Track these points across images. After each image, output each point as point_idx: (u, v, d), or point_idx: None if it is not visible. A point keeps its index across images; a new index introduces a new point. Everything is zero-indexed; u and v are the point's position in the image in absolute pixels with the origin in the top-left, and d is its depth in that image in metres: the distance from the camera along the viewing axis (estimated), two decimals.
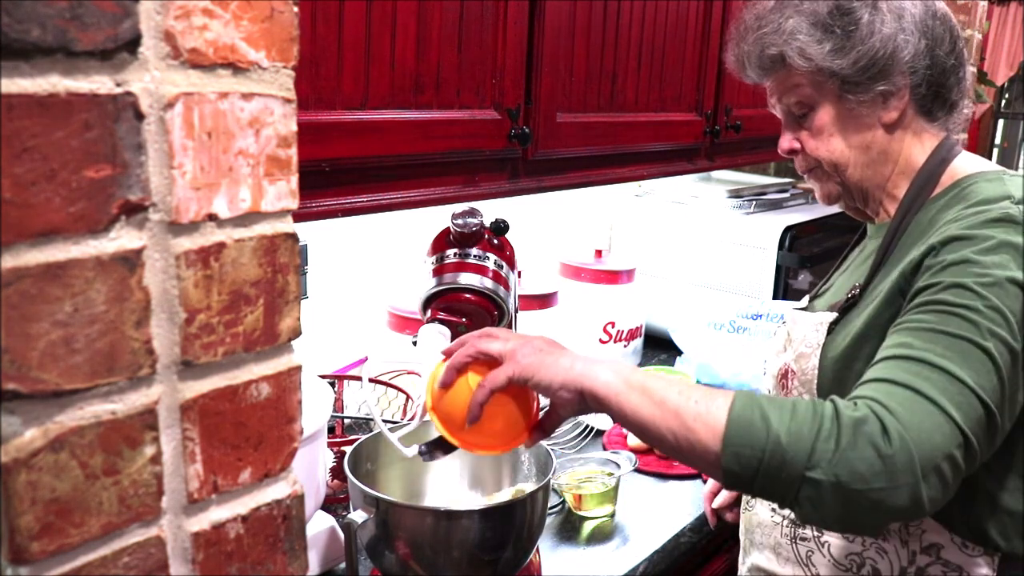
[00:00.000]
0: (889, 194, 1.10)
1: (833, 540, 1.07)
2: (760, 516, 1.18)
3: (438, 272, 1.19)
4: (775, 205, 2.37)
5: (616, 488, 1.41)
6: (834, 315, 1.07)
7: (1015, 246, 0.89)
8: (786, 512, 1.12)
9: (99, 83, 0.45)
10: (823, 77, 1.05)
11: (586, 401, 0.88)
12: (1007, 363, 0.85)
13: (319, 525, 1.21)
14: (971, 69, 2.48)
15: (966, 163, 1.08)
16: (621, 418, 0.86)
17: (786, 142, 1.14)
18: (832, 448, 0.78)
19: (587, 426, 1.68)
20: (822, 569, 1.09)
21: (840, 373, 1.03)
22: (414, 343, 1.13)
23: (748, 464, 0.79)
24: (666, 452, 0.86)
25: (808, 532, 1.10)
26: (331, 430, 1.47)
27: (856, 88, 1.05)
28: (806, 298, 1.27)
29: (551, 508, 1.36)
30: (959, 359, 0.84)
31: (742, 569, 1.24)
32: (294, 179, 0.56)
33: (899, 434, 0.78)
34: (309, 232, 1.56)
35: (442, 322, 1.15)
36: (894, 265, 1.02)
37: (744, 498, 1.24)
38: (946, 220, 0.97)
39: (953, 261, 0.90)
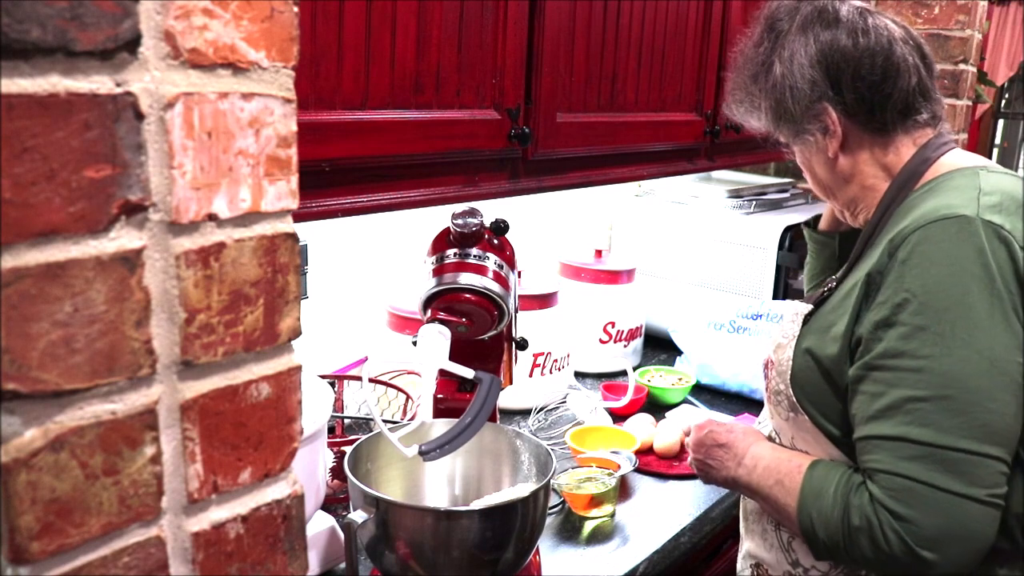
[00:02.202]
0: (871, 200, 1.13)
1: None
2: (751, 504, 1.20)
3: (438, 272, 1.19)
4: (775, 205, 2.37)
5: (616, 488, 1.41)
6: (809, 307, 1.10)
7: (922, 328, 0.94)
8: None
9: (99, 83, 0.45)
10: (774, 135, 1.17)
11: None
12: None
13: (319, 525, 1.21)
14: (967, 69, 2.48)
15: (953, 159, 1.09)
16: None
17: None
18: (851, 553, 0.98)
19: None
20: (801, 555, 1.12)
21: (808, 364, 1.06)
22: (414, 343, 1.13)
23: (816, 548, 1.03)
24: None
25: None
26: (331, 430, 1.47)
27: (789, 136, 1.15)
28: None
29: (551, 508, 1.36)
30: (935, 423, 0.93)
31: (740, 555, 1.27)
32: (294, 179, 0.56)
33: (894, 531, 0.92)
34: (309, 232, 1.56)
35: (442, 322, 1.15)
36: (867, 257, 1.05)
37: None
38: (895, 231, 1.00)
39: (884, 352, 0.97)
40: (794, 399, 1.08)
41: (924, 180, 1.08)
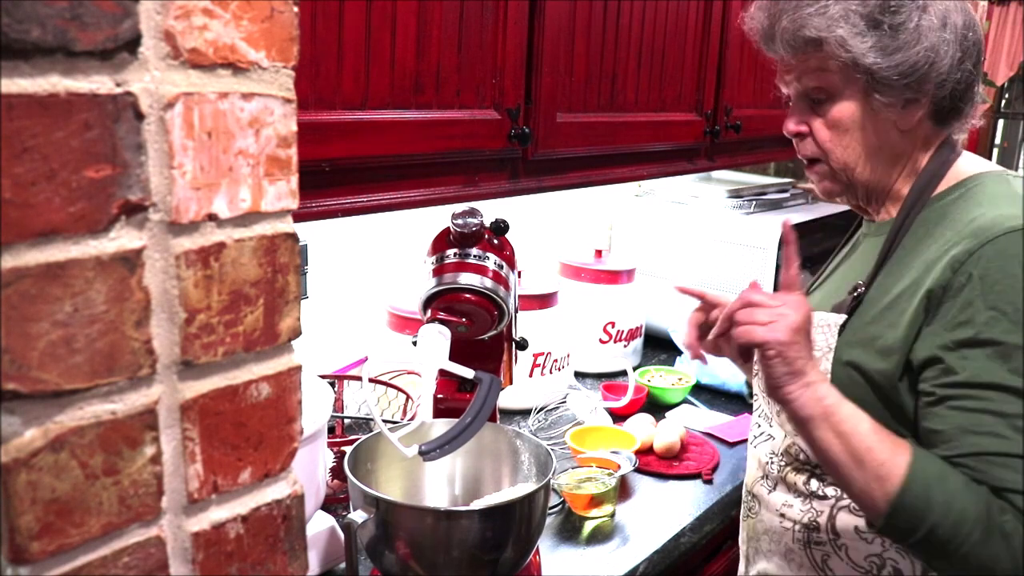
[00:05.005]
0: (893, 194, 1.09)
1: (851, 543, 1.04)
2: (767, 523, 1.14)
3: (438, 272, 1.19)
4: (775, 205, 2.37)
5: (616, 488, 1.41)
6: (843, 317, 1.05)
7: (1020, 347, 0.90)
8: (797, 516, 1.09)
9: (99, 83, 0.45)
10: (855, 71, 1.01)
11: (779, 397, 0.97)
12: None
13: (319, 525, 1.21)
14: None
15: (969, 163, 1.07)
16: (810, 444, 0.98)
17: (793, 124, 1.10)
18: (974, 556, 0.89)
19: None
20: (839, 572, 1.06)
21: (853, 378, 1.01)
22: (414, 343, 1.13)
23: (904, 533, 0.93)
24: (837, 481, 0.99)
25: (823, 536, 1.07)
26: (331, 430, 1.47)
27: (886, 90, 1.01)
28: None
29: (551, 508, 1.36)
30: None
31: None
32: (294, 179, 0.55)
33: None
34: (309, 232, 1.56)
35: (442, 322, 1.15)
36: (903, 265, 1.02)
37: (745, 504, 1.21)
38: (957, 231, 0.96)
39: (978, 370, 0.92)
40: None
41: (946, 184, 1.05)
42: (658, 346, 2.21)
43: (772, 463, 1.15)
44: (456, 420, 1.07)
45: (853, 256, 1.18)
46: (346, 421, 1.59)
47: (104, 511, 0.48)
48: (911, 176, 1.08)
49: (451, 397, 1.27)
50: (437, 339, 1.12)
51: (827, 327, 1.06)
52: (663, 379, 1.94)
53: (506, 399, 1.73)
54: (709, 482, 1.55)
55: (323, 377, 1.47)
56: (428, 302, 1.20)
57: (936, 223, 1.01)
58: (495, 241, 1.23)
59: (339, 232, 1.70)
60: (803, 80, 1.06)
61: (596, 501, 1.39)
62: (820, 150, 1.08)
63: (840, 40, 0.99)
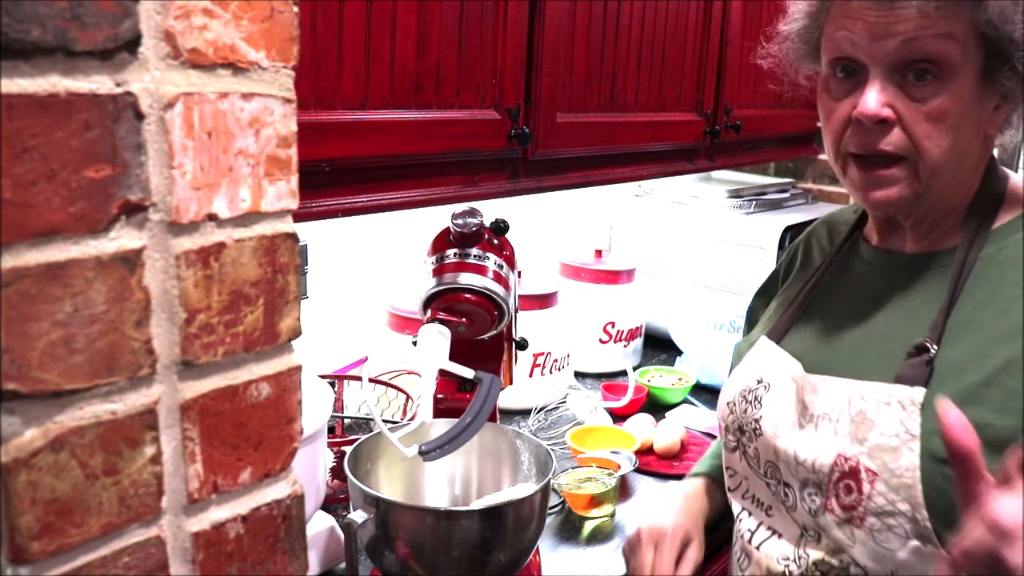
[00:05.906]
0: (948, 223, 0.91)
1: None
2: None
3: (438, 272, 1.19)
4: (775, 205, 2.37)
5: (616, 488, 1.41)
6: (922, 391, 0.81)
7: None
8: None
9: (99, 83, 0.45)
10: (979, 45, 0.79)
11: None
12: None
13: (319, 525, 1.21)
14: None
15: (1016, 178, 0.94)
16: None
17: (876, 103, 0.81)
18: None
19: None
20: None
21: (950, 476, 0.70)
22: (414, 343, 1.13)
23: None
24: None
25: None
26: (331, 430, 1.47)
27: (1000, 74, 0.80)
28: (763, 341, 1.06)
29: (551, 508, 1.36)
30: None
31: None
32: (294, 179, 0.56)
33: None
34: (309, 232, 1.56)
35: (442, 322, 1.15)
36: (988, 323, 0.83)
37: None
38: None
39: None
40: (928, 526, 0.79)
41: (1011, 212, 0.89)
42: (658, 346, 2.21)
43: (789, 572, 0.95)
44: (456, 420, 1.07)
45: (863, 292, 0.97)
46: (346, 421, 1.59)
47: (104, 511, 0.48)
48: (967, 199, 0.90)
49: (451, 397, 1.27)
50: (437, 339, 1.12)
51: (903, 405, 0.82)
52: (663, 379, 1.94)
53: (506, 399, 1.73)
54: None
55: (323, 377, 1.47)
56: (428, 302, 1.20)
57: (1015, 266, 0.84)
58: (495, 241, 1.23)
59: (339, 232, 1.70)
60: (912, 45, 0.79)
61: (596, 501, 1.39)
62: (911, 146, 0.83)
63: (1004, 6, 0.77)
